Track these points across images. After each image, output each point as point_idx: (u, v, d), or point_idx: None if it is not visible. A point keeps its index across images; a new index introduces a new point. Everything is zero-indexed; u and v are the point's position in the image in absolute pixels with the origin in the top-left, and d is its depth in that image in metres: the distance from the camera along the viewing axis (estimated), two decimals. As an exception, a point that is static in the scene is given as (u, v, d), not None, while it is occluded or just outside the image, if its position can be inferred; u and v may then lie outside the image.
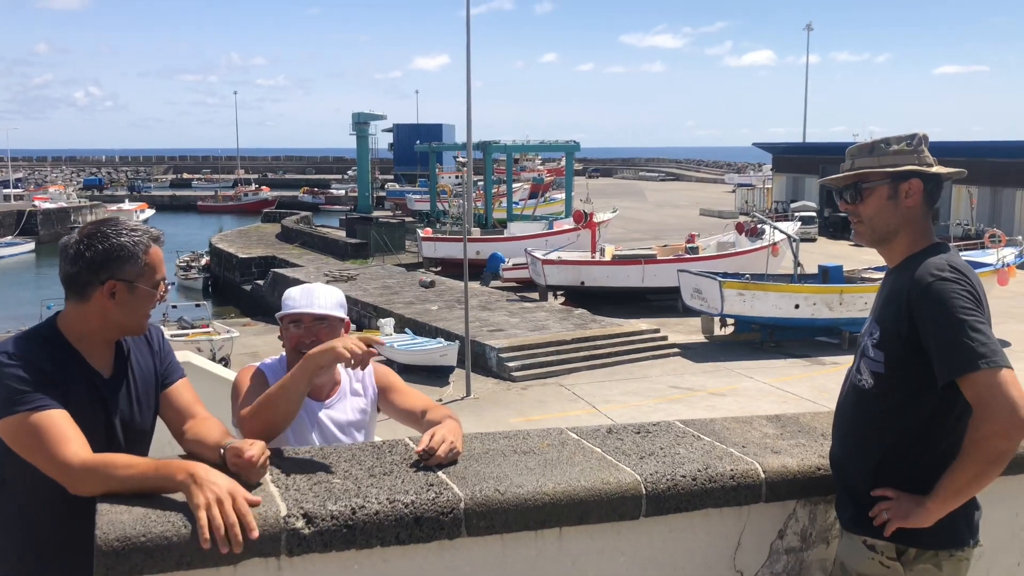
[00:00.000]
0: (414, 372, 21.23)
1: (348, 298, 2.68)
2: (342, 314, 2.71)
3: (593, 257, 32.99)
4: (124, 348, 2.33)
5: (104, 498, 1.92)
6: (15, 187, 73.06)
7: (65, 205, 66.16)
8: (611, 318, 26.15)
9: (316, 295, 2.70)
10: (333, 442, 2.54)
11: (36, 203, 65.37)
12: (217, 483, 1.89)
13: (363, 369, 2.33)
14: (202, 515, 1.83)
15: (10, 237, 57.10)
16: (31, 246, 55.90)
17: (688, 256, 32.45)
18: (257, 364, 2.74)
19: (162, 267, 2.29)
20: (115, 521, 1.81)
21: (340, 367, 2.72)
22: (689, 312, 26.61)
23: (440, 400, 19.90)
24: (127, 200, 77.37)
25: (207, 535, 1.80)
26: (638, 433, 2.57)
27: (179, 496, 1.93)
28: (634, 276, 31.38)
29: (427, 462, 2.17)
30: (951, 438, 2.15)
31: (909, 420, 2.19)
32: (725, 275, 25.69)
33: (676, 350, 24.06)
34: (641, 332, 24.81)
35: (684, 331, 26.22)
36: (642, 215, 60.16)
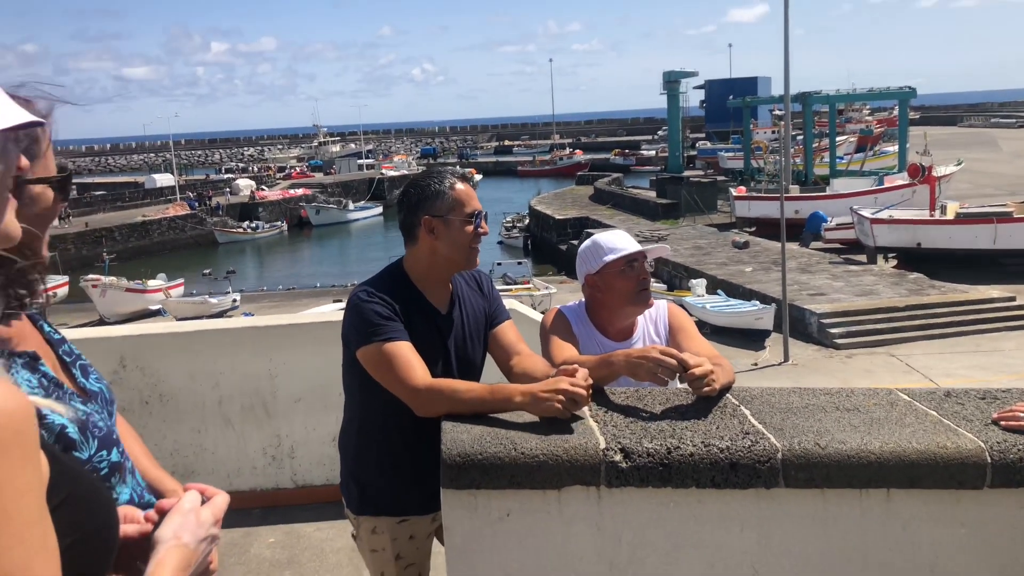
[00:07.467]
0: (727, 335, 20.83)
1: (659, 259, 2.76)
2: None
3: (932, 215, 29.66)
4: (458, 289, 2.58)
5: (447, 418, 2.17)
6: (366, 157, 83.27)
7: (406, 172, 73.89)
8: (953, 283, 23.47)
9: (629, 237, 2.83)
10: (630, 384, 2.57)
11: (384, 171, 74.06)
12: (550, 384, 2.11)
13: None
14: (555, 400, 2.06)
15: (363, 201, 65.19)
16: (379, 209, 63.36)
17: (1054, 214, 27.97)
18: (559, 307, 2.88)
19: (473, 202, 2.47)
20: (457, 439, 2.03)
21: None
22: (1054, 278, 23.20)
23: (755, 365, 19.31)
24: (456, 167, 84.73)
25: (557, 405, 2.06)
26: (983, 399, 2.31)
27: (511, 418, 2.12)
28: (983, 237, 27.74)
29: (689, 379, 2.19)
30: None
31: None
32: (1104, 235, 21.91)
33: (1036, 321, 21.05)
34: (992, 300, 22.02)
35: (1047, 300, 22.84)
36: (995, 167, 52.77)
